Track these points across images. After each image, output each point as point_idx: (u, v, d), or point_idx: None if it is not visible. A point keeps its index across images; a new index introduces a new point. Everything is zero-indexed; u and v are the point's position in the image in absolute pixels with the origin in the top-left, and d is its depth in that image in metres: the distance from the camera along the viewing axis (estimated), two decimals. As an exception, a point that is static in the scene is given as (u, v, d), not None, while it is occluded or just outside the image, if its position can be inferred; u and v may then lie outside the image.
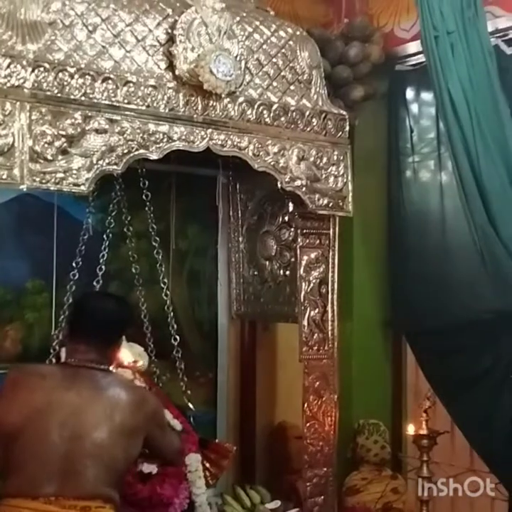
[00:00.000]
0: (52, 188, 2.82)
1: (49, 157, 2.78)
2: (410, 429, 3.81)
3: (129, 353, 3.41)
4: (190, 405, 3.63)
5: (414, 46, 4.17)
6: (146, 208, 3.65)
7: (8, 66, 2.69)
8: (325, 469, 3.65)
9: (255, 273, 4.17)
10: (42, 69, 2.76)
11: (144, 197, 3.63)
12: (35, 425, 2.34)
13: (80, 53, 2.87)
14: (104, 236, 3.58)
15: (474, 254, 3.63)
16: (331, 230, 3.69)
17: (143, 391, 2.86)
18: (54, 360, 3.38)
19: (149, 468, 3.21)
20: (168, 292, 3.74)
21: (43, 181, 2.78)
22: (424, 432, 3.73)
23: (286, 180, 3.40)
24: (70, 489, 2.33)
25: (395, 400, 4.52)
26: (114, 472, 2.48)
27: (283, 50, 3.43)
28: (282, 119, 3.39)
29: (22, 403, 2.39)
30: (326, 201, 3.53)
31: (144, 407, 2.68)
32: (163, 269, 3.74)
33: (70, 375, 2.55)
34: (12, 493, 2.33)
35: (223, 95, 3.17)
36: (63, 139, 2.82)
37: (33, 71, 2.74)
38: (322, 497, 3.65)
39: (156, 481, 3.22)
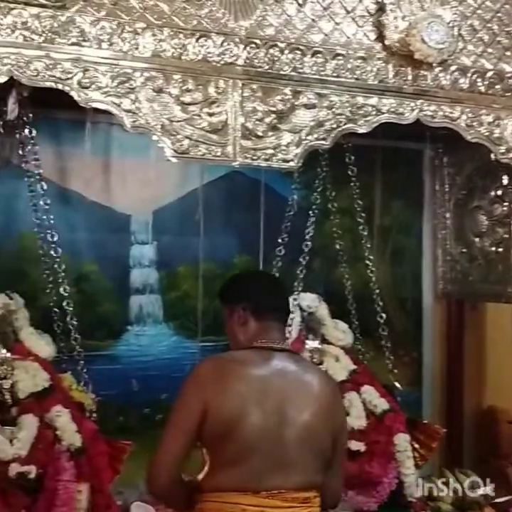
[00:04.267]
0: (262, 165, 2.84)
1: (260, 133, 2.81)
2: None
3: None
4: (397, 384, 3.56)
5: None
6: (352, 184, 3.60)
7: (222, 44, 2.73)
8: (541, 457, 3.48)
9: (463, 250, 4.00)
10: (253, 45, 2.78)
11: (349, 172, 3.59)
12: (251, 417, 2.16)
13: (290, 28, 2.86)
14: (310, 212, 3.57)
15: None
16: (549, 204, 3.48)
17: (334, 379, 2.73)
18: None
19: (357, 445, 3.20)
20: (373, 269, 3.68)
21: (254, 158, 2.81)
22: None
23: (502, 151, 3.22)
24: (291, 481, 2.19)
25: None
26: (322, 459, 2.30)
27: (498, 14, 3.23)
28: (497, 86, 3.21)
29: (232, 395, 2.19)
30: (544, 174, 3.32)
31: (339, 396, 2.50)
32: (368, 245, 3.67)
33: (267, 359, 2.31)
34: (225, 487, 2.18)
35: (435, 64, 3.05)
36: (273, 115, 2.83)
37: (245, 48, 2.77)
38: (537, 485, 3.48)
39: (365, 459, 3.21)
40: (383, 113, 3.02)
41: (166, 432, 2.22)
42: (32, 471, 2.68)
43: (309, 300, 3.62)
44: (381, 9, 2.99)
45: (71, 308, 3.09)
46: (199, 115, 2.71)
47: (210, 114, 2.73)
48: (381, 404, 3.42)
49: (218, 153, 2.74)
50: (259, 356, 2.30)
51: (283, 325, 2.47)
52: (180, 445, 2.19)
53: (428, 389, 4.08)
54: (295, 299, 3.54)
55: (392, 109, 3.03)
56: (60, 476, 2.70)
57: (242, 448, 2.17)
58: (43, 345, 3.02)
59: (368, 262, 3.67)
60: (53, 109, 3.16)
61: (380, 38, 3.00)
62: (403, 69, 3.04)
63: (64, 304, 3.09)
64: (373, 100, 3.00)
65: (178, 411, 2.24)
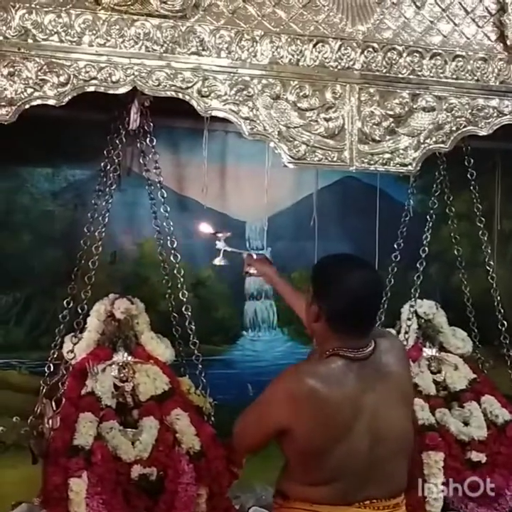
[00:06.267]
0: (379, 169, 2.81)
1: (377, 138, 2.78)
2: None
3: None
4: (521, 395, 3.45)
5: None
6: (471, 188, 3.51)
7: (339, 49, 2.72)
8: None
9: None
10: (371, 49, 2.76)
11: (468, 176, 3.50)
12: (343, 443, 2.13)
13: (408, 30, 2.82)
14: (427, 217, 3.51)
15: None
16: None
17: (400, 341, 2.70)
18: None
19: (478, 456, 3.12)
20: (493, 275, 3.57)
21: (371, 162, 2.79)
22: None
23: None
24: (383, 491, 2.22)
25: None
26: (409, 456, 2.31)
27: None
28: None
29: (323, 425, 2.13)
30: None
31: (409, 365, 2.44)
32: (488, 251, 3.57)
33: (355, 373, 2.18)
34: (317, 500, 2.20)
35: (558, 63, 2.94)
36: (391, 119, 2.80)
37: (362, 52, 2.75)
38: None
39: (486, 470, 3.11)
40: (505, 114, 2.94)
41: (249, 424, 2.30)
42: (153, 472, 2.74)
43: (426, 307, 3.56)
44: (502, 9, 2.90)
45: (189, 313, 3.13)
46: (316, 121, 2.71)
47: (327, 120, 2.72)
48: (503, 414, 3.32)
49: (335, 159, 2.73)
50: (348, 369, 2.17)
51: (364, 335, 2.21)
52: (258, 442, 2.30)
53: (552, 400, 3.91)
54: (412, 306, 3.49)
55: (515, 111, 2.95)
56: (180, 478, 2.75)
57: (333, 471, 2.16)
58: (162, 349, 3.09)
59: (488, 267, 3.57)
60: (171, 117, 3.23)
61: (502, 38, 2.92)
62: (526, 69, 2.95)
63: (182, 308, 3.14)
64: (494, 102, 2.92)
65: (263, 414, 2.24)
